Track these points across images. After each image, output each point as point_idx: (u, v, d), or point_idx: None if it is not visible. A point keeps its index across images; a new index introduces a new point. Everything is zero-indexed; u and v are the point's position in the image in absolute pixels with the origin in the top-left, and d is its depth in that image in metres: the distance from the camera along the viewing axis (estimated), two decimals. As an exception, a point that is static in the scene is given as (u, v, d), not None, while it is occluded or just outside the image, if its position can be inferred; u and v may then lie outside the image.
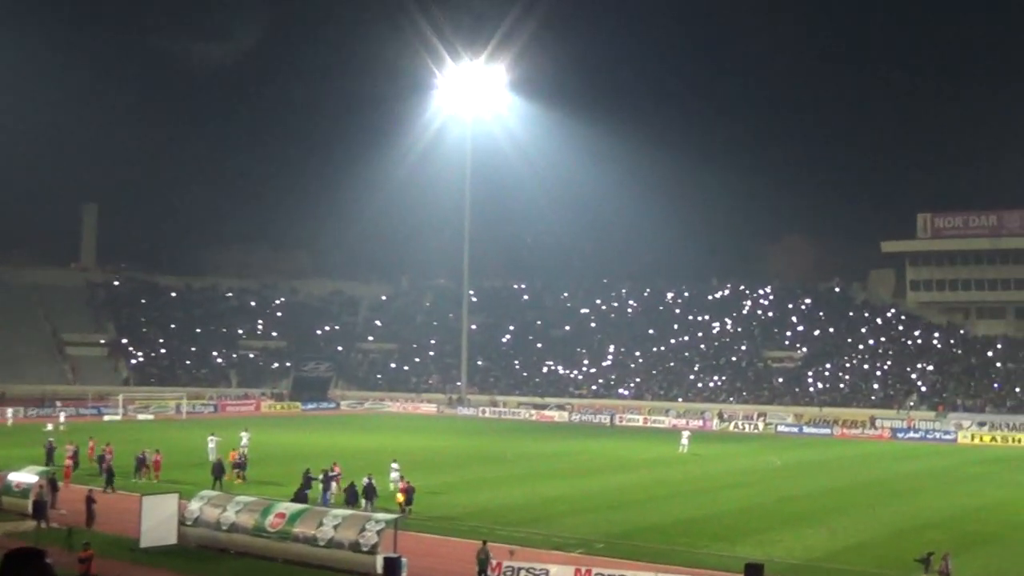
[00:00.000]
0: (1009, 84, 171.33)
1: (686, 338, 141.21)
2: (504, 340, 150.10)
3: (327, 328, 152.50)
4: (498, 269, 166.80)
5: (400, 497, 51.24)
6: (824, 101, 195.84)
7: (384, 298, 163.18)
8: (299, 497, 49.54)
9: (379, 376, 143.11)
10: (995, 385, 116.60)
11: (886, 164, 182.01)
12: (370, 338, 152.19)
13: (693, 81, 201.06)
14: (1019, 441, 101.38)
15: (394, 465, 57.57)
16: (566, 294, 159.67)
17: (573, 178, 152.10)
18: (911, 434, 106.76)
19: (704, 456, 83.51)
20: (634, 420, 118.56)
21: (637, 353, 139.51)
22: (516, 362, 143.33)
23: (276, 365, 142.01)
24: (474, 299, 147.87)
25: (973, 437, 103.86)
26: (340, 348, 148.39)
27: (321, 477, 54.55)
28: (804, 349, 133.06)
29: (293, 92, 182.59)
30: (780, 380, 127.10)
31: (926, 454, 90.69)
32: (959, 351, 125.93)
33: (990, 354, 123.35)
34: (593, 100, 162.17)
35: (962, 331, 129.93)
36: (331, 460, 59.26)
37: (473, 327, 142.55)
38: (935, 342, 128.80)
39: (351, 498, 52.23)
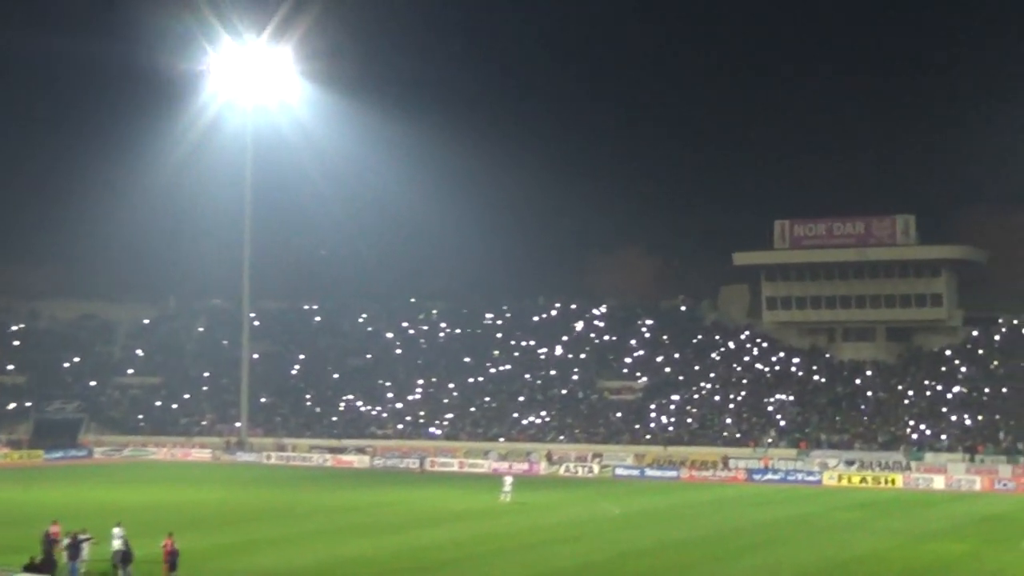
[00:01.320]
0: (877, 79, 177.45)
1: (508, 367, 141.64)
2: (293, 371, 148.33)
3: (76, 359, 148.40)
4: (285, 287, 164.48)
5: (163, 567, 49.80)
6: (666, 94, 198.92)
7: (146, 322, 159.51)
8: (39, 567, 47.58)
9: (141, 417, 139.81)
10: (864, 418, 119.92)
11: (739, 165, 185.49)
12: (129, 371, 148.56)
13: (518, 74, 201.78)
14: (892, 482, 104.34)
15: (116, 531, 53.39)
16: (365, 316, 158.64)
17: (376, 181, 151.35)
18: (769, 476, 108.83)
19: (531, 505, 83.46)
20: (448, 464, 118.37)
21: (451, 385, 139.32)
22: (307, 397, 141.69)
23: (13, 405, 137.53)
24: (256, 323, 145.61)
25: (840, 478, 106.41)
26: (92, 384, 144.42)
27: (67, 542, 52.57)
28: (645, 379, 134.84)
29: (31, 74, 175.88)
30: (618, 415, 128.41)
31: (787, 499, 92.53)
32: (823, 379, 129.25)
33: (858, 382, 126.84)
34: (401, 92, 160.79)
35: (826, 355, 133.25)
36: (81, 521, 57.19)
37: (255, 356, 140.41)
38: (795, 369, 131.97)
39: (122, 561, 50.63)
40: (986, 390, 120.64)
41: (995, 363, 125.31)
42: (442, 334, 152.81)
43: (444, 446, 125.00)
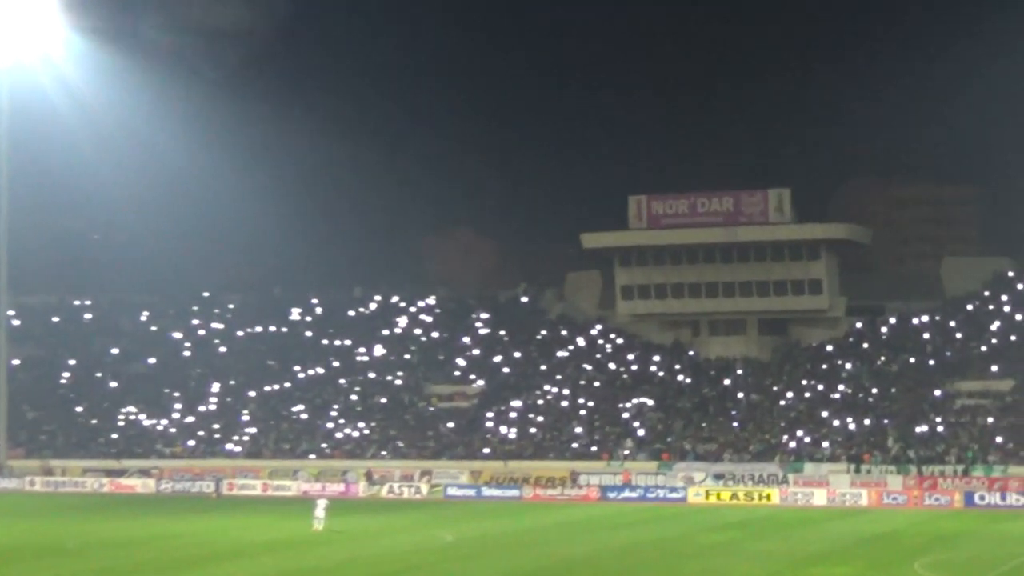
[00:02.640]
0: (745, 39, 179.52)
1: (319, 370, 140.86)
2: (62, 380, 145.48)
3: None
4: (50, 279, 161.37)
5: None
6: (503, 54, 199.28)
7: None
8: None
9: None
10: (735, 424, 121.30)
11: (590, 135, 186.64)
12: None
13: (332, 33, 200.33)
14: (767, 498, 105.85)
15: None
16: (148, 313, 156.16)
17: (160, 153, 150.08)
18: (627, 493, 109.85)
19: (349, 534, 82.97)
20: (249, 487, 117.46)
21: (251, 394, 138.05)
22: (79, 410, 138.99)
23: None
24: (15, 322, 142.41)
25: (708, 494, 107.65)
26: None
27: None
28: (481, 383, 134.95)
29: None
30: (449, 426, 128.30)
31: (647, 520, 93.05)
32: (687, 379, 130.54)
33: (728, 382, 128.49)
34: (194, 51, 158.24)
35: (690, 352, 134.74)
36: None
37: (15, 362, 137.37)
38: (655, 368, 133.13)
39: None
40: (873, 390, 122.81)
41: (882, 359, 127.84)
42: (240, 333, 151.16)
43: (244, 466, 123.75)
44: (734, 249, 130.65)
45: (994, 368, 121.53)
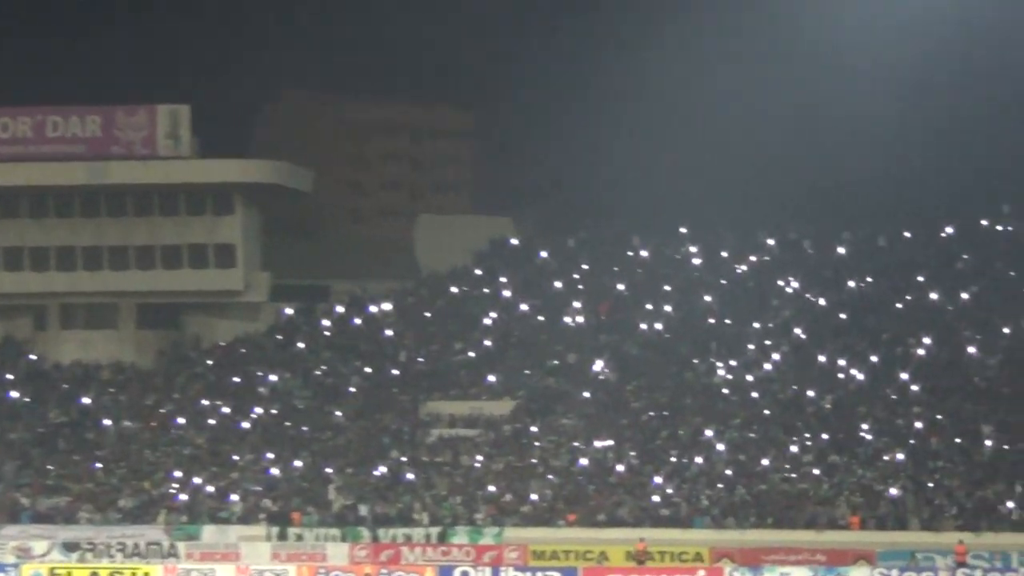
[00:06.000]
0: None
1: None
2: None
3: None
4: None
5: None
6: None
7: None
8: None
9: None
10: (96, 465, 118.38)
11: None
12: None
13: None
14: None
15: None
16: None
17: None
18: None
19: None
20: None
21: None
22: None
23: None
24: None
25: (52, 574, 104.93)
26: None
27: None
28: None
29: None
30: None
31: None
32: (24, 397, 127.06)
33: (87, 401, 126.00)
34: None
35: (30, 356, 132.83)
36: None
37: None
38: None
39: None
40: (298, 404, 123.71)
41: (324, 368, 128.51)
42: None
43: None
44: (101, 195, 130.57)
45: (489, 380, 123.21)
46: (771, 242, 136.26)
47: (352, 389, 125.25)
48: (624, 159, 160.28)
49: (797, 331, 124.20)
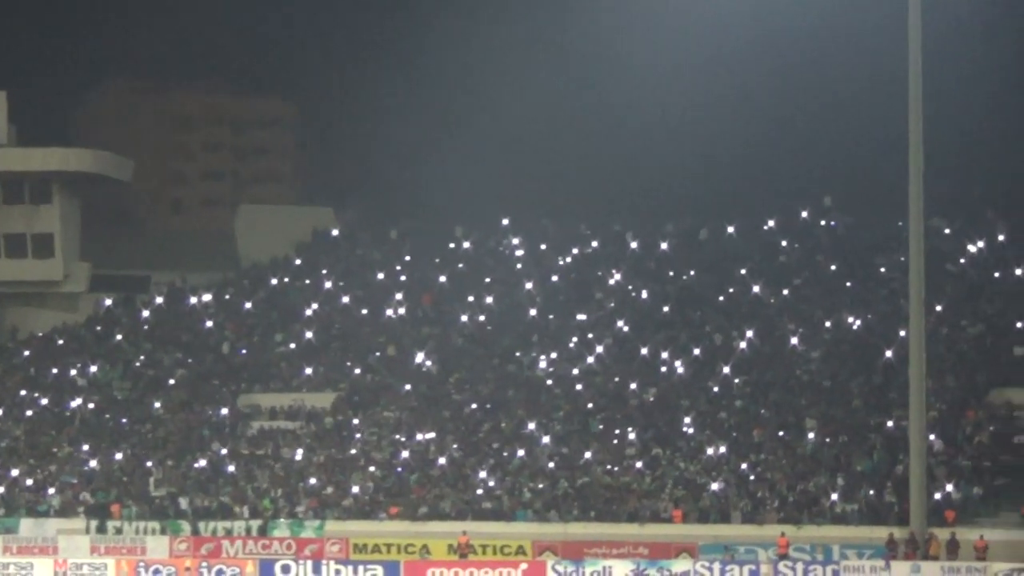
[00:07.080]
0: None
1: None
2: None
3: None
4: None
5: None
6: None
7: None
8: None
9: None
10: None
11: None
12: None
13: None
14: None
15: None
16: None
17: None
18: None
19: None
20: None
21: None
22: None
23: None
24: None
25: None
26: None
27: None
28: None
29: None
30: None
31: None
32: None
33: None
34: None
35: None
36: None
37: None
38: None
39: None
40: (118, 396, 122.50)
41: (143, 358, 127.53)
42: None
43: None
44: None
45: (310, 372, 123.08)
46: (594, 234, 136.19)
47: (172, 381, 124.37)
48: (447, 151, 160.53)
49: (620, 324, 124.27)
